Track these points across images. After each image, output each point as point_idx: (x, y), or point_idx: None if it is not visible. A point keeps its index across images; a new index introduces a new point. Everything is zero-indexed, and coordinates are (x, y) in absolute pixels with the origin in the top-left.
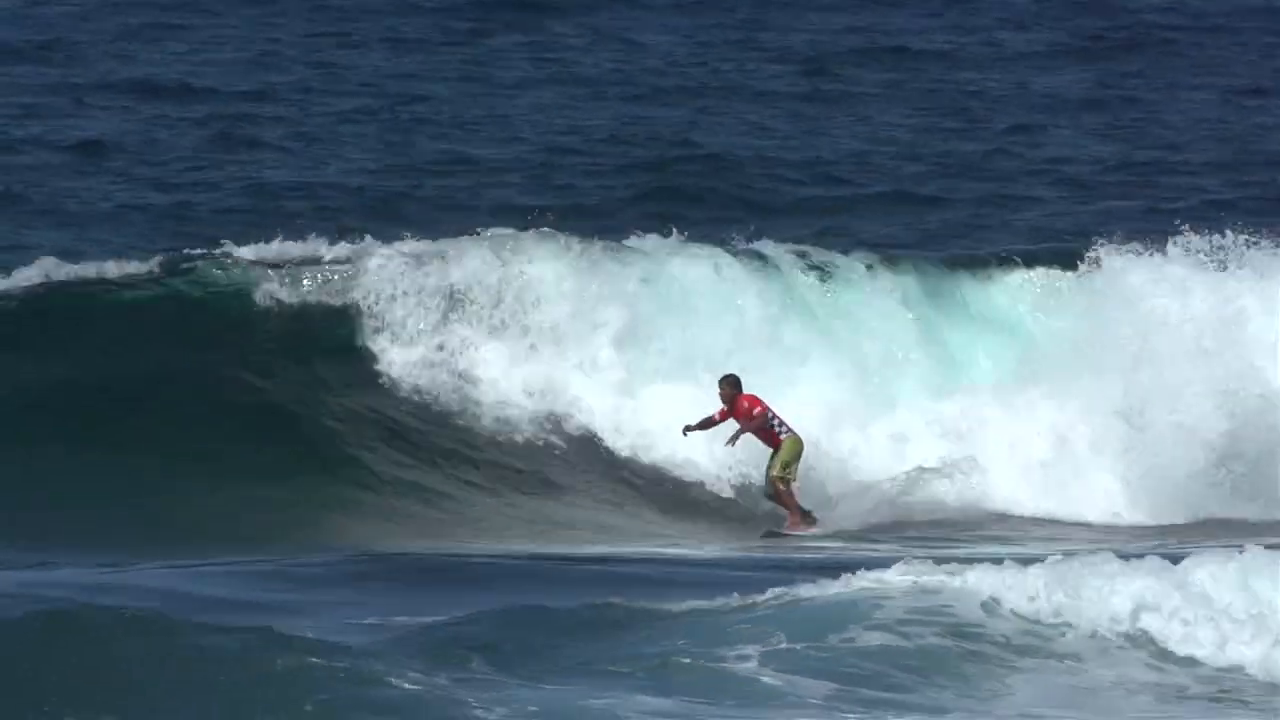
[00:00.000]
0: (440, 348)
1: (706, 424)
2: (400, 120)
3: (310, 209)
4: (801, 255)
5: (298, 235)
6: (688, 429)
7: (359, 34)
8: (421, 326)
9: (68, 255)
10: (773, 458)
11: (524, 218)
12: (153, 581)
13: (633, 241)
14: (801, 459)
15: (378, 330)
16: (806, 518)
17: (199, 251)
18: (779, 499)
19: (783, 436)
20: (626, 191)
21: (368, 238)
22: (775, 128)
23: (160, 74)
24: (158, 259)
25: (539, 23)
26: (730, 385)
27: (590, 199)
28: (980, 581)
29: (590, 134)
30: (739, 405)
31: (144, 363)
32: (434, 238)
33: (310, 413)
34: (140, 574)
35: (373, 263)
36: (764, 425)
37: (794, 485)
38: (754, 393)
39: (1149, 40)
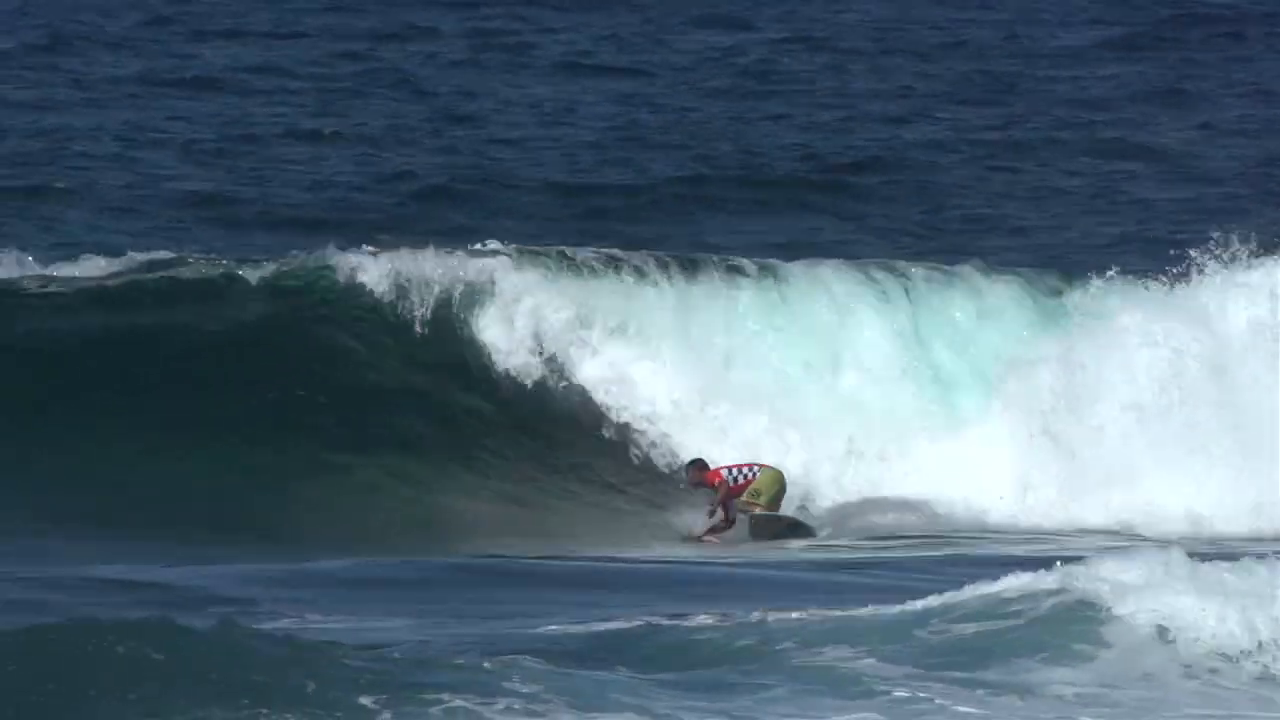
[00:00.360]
0: (565, 359)
1: (718, 528)
2: (446, 111)
3: (371, 202)
4: (943, 273)
5: (387, 231)
6: (703, 537)
7: (398, 24)
8: (544, 334)
9: (126, 247)
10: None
11: (570, 201)
12: (229, 576)
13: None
14: (783, 492)
15: (495, 332)
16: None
17: (313, 251)
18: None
19: (753, 478)
20: (668, 176)
21: (493, 242)
22: (818, 119)
23: (203, 69)
24: (270, 259)
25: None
26: (698, 469)
27: (631, 181)
28: (1074, 575)
29: (633, 121)
30: (712, 485)
31: (237, 359)
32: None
33: (423, 415)
34: (231, 569)
35: (497, 266)
36: (730, 487)
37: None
38: (716, 464)
39: (1204, 30)
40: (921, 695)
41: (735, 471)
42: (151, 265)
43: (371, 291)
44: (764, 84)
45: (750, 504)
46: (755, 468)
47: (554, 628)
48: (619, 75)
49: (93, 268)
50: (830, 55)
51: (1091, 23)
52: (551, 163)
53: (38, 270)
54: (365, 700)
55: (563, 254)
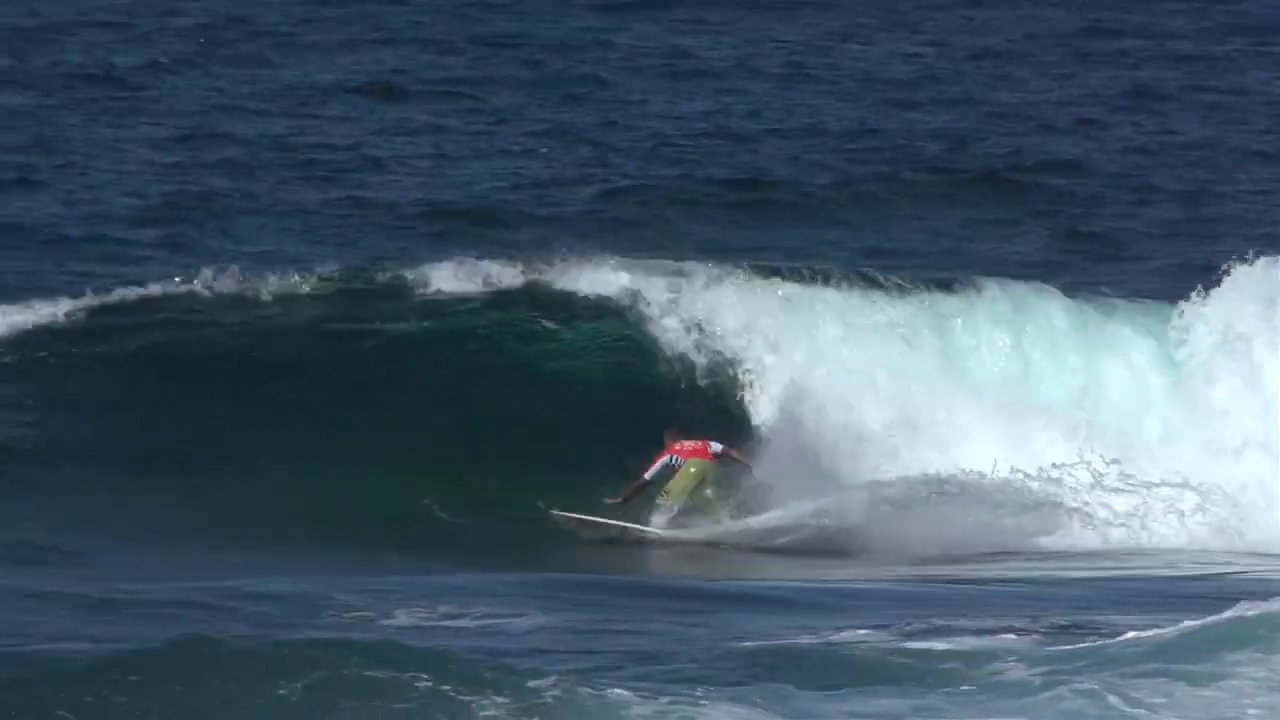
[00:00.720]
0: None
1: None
2: (618, 114)
3: (551, 205)
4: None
5: (568, 237)
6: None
7: (568, 31)
8: (765, 358)
9: (307, 256)
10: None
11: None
12: (409, 584)
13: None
14: (696, 488)
15: (700, 348)
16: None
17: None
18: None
19: (678, 469)
20: (838, 179)
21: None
22: (984, 125)
23: (376, 76)
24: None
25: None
26: (670, 438)
27: (804, 182)
28: None
29: (805, 123)
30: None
31: (426, 371)
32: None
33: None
34: (414, 579)
35: (717, 279)
36: (667, 470)
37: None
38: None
39: None
40: (1089, 686)
41: (675, 457)
42: (344, 274)
43: (584, 304)
44: (924, 91)
45: (663, 499)
46: (683, 462)
47: (729, 642)
48: (788, 80)
49: (282, 277)
50: (995, 61)
51: (1250, 28)
52: (725, 164)
53: (235, 280)
54: (534, 684)
55: (798, 270)
